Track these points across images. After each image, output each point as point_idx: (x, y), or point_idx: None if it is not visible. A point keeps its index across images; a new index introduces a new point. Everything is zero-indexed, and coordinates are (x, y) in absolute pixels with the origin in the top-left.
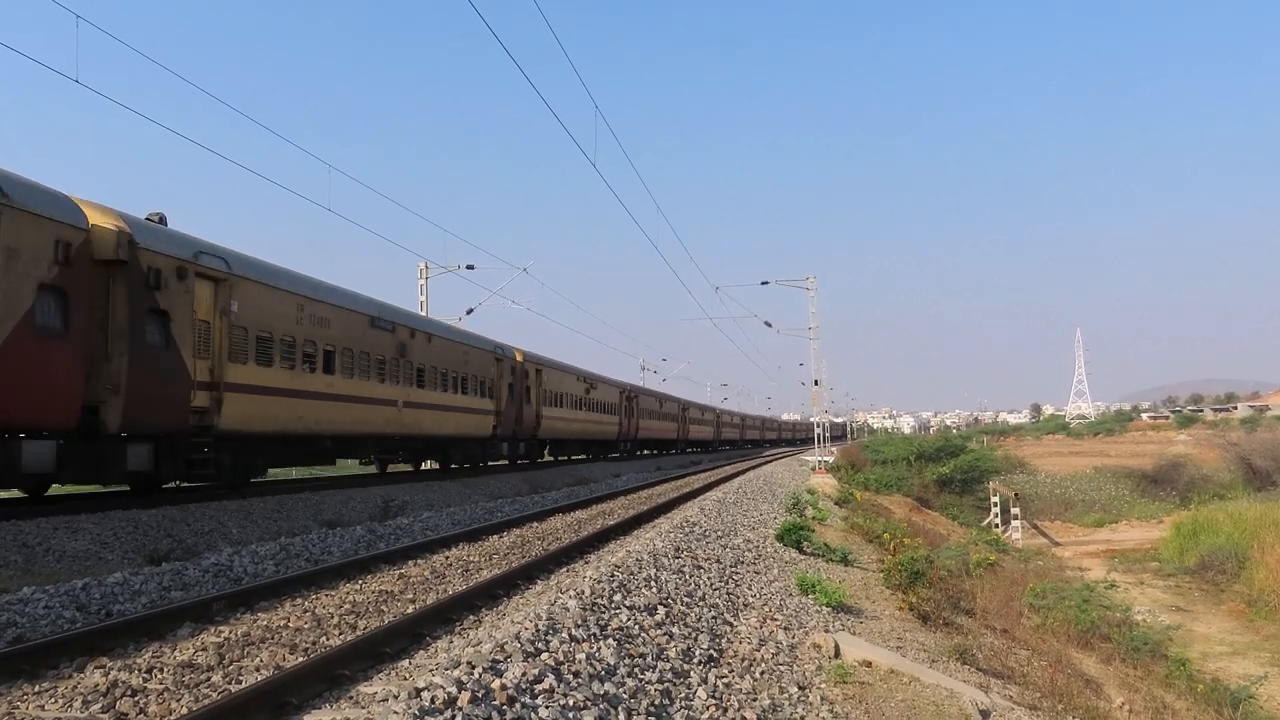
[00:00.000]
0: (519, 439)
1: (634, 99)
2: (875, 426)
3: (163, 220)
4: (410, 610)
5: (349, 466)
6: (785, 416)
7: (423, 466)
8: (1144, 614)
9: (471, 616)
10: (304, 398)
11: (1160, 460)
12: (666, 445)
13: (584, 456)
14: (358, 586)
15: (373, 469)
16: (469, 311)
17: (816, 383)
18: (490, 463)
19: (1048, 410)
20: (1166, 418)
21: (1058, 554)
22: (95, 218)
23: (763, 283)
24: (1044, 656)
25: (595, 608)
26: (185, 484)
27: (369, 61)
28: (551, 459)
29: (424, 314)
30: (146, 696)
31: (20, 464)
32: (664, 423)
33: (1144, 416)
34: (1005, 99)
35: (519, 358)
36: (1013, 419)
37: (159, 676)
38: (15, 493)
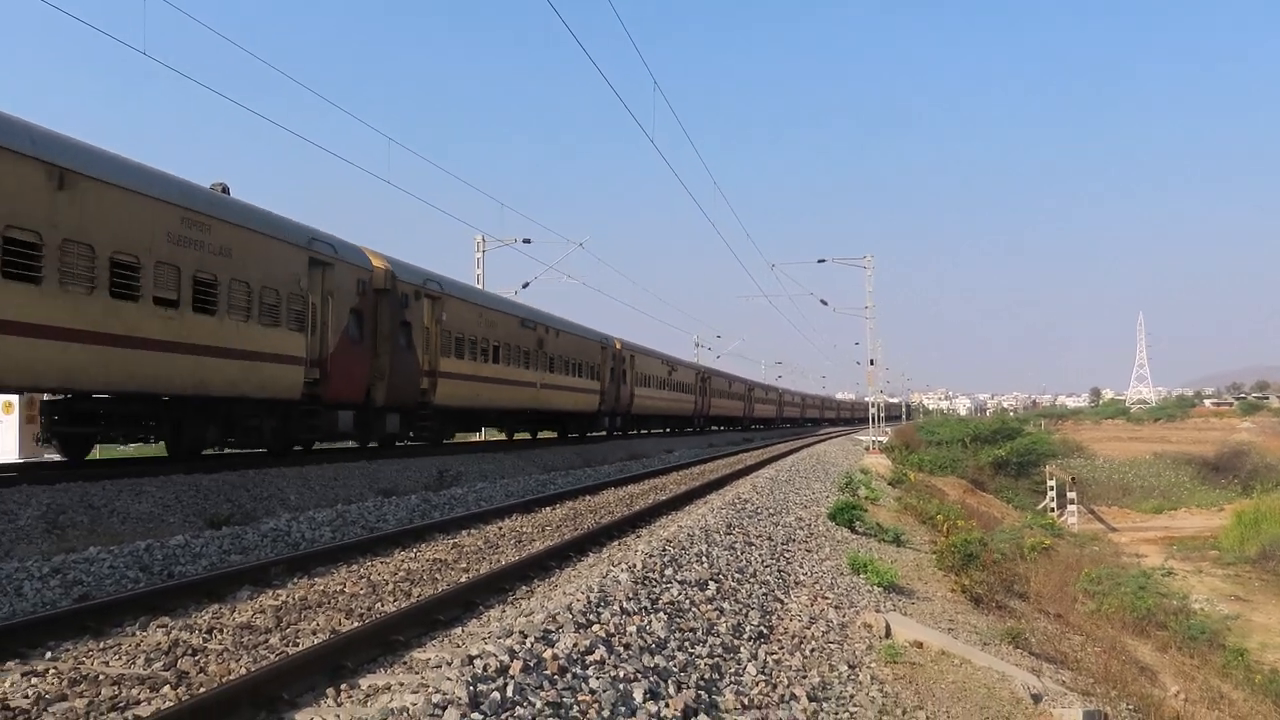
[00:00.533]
0: (617, 414)
1: (693, 75)
2: (930, 407)
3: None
4: (464, 579)
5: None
6: (840, 395)
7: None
8: (1202, 602)
9: (524, 587)
10: (482, 381)
11: (1222, 447)
12: (733, 422)
13: (664, 430)
14: (412, 554)
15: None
16: (525, 285)
17: (872, 362)
18: (591, 433)
19: (1107, 395)
20: (1230, 404)
21: (1114, 540)
22: (374, 261)
23: (820, 260)
24: (1098, 642)
25: (647, 581)
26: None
27: (427, 34)
28: (643, 432)
29: (481, 287)
30: (206, 656)
31: (337, 427)
32: (732, 401)
33: (1207, 403)
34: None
35: (618, 346)
36: (1071, 403)
37: (219, 637)
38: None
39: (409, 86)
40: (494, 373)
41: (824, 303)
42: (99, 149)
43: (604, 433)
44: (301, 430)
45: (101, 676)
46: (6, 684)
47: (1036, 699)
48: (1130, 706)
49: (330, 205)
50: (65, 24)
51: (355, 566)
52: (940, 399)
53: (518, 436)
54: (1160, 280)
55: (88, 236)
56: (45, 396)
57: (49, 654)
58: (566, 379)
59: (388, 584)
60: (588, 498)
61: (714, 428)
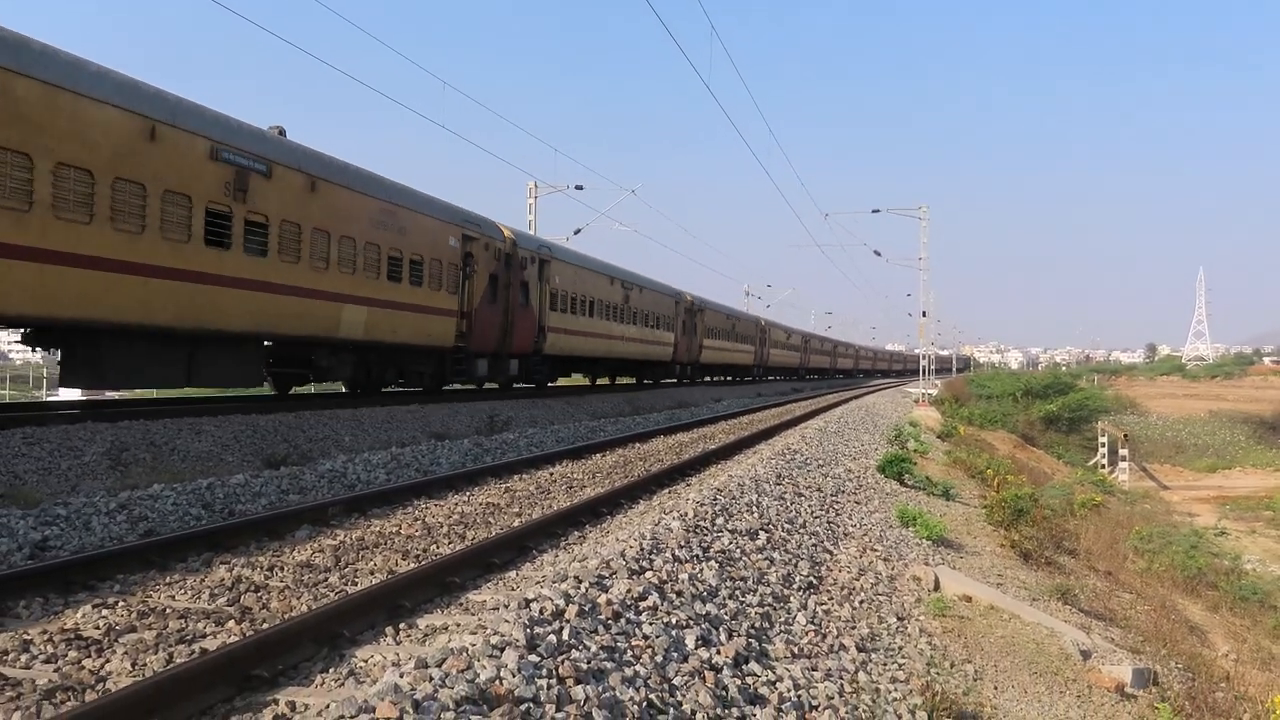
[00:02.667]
0: (687, 363)
1: (751, 21)
2: (980, 361)
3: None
4: (516, 524)
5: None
6: (890, 347)
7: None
8: (1254, 563)
9: (576, 533)
10: (579, 335)
11: None
12: (790, 372)
13: (726, 379)
14: (465, 498)
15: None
16: (576, 232)
17: (924, 314)
18: (665, 380)
19: (1163, 351)
20: None
21: (1166, 498)
22: (505, 233)
23: (874, 210)
24: (1148, 601)
25: (698, 530)
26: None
27: None
28: (709, 380)
29: (533, 233)
30: (268, 593)
31: (475, 372)
32: (789, 353)
33: (1266, 360)
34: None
35: (689, 300)
36: (1126, 359)
37: (279, 574)
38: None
39: (462, 29)
40: (589, 326)
41: (877, 253)
42: (330, 158)
43: (675, 380)
44: (451, 373)
45: (168, 610)
46: (79, 615)
47: (1085, 655)
48: (1180, 665)
49: (383, 148)
50: None
51: (410, 508)
52: (991, 352)
53: (599, 381)
54: (1223, 235)
55: (327, 226)
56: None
57: (118, 587)
58: (647, 331)
59: (442, 526)
60: (637, 445)
61: (770, 377)
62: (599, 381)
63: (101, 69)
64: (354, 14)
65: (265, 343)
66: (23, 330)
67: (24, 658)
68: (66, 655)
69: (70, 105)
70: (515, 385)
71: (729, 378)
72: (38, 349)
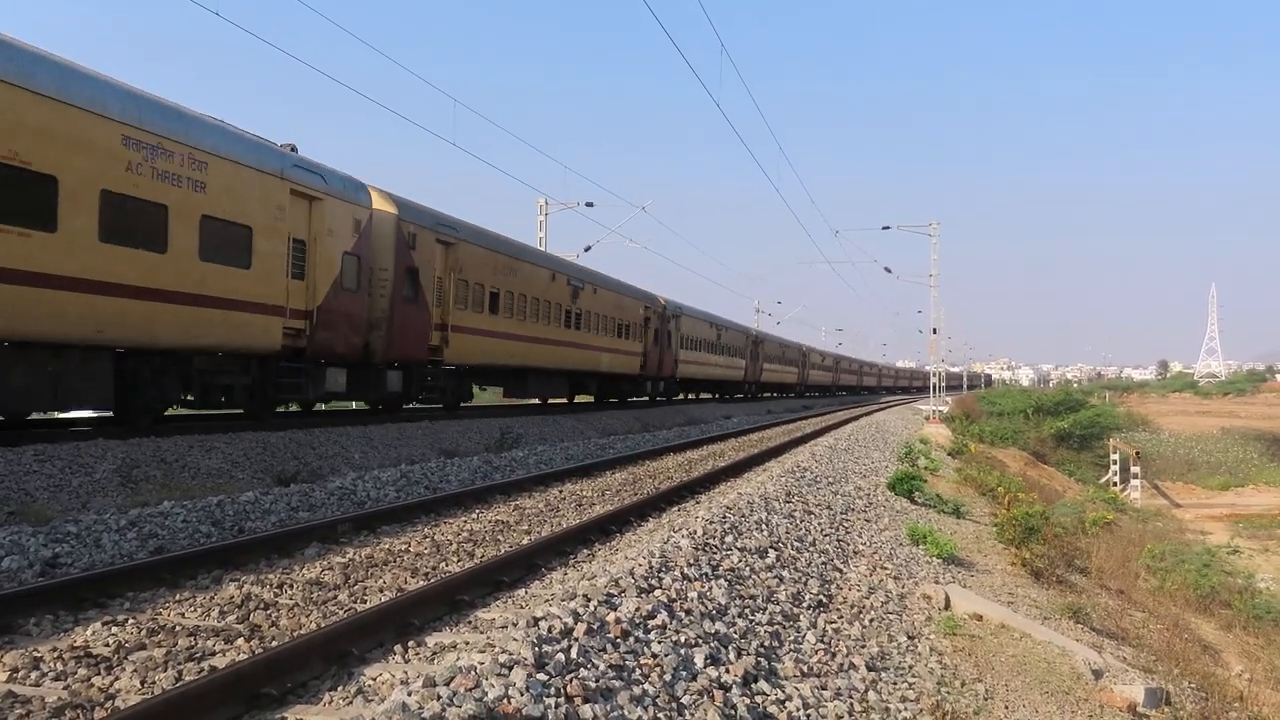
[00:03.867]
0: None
1: (760, 37)
2: (994, 378)
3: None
4: (525, 541)
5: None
6: (900, 364)
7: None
8: (1268, 582)
9: (585, 550)
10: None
11: None
12: (787, 389)
13: (712, 396)
14: (474, 515)
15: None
16: (587, 249)
17: (935, 331)
18: (632, 398)
19: (1175, 367)
20: None
21: (1178, 516)
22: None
23: (884, 227)
24: (1160, 619)
25: (707, 548)
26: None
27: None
28: (689, 398)
29: (544, 249)
30: (278, 610)
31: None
32: (786, 367)
33: (1279, 377)
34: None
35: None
36: (1138, 375)
37: (289, 592)
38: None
39: (472, 46)
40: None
41: (887, 270)
42: (450, 217)
43: (646, 398)
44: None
45: (178, 627)
46: (89, 632)
47: (1097, 675)
48: (1193, 685)
49: (395, 165)
50: None
51: (420, 526)
52: (1003, 369)
53: (552, 401)
54: (1235, 252)
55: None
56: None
57: (128, 604)
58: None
59: (451, 544)
60: (647, 463)
61: (766, 394)
62: (549, 401)
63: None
64: (364, 30)
65: None
66: None
67: (34, 675)
68: (76, 673)
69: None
70: (405, 406)
71: (715, 395)
72: None
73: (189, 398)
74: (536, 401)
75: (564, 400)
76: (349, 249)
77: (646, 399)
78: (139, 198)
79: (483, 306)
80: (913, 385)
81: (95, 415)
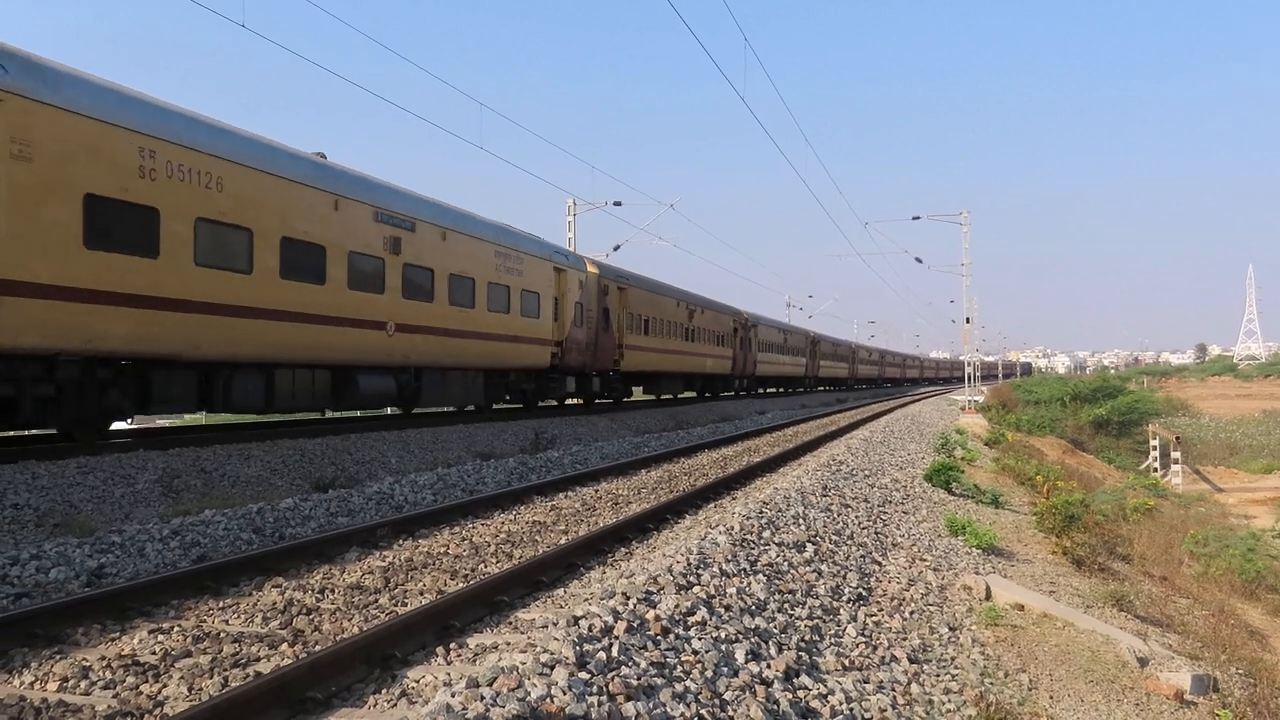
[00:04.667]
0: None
1: (784, 29)
2: (1033, 366)
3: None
4: (563, 541)
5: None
6: (934, 354)
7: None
8: None
9: (622, 549)
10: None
11: None
12: (839, 383)
13: (779, 390)
14: (511, 516)
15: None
16: (616, 248)
17: (968, 320)
18: (724, 393)
19: (1214, 351)
20: None
21: (1221, 500)
22: (590, 267)
23: (914, 218)
24: (1205, 606)
25: (745, 543)
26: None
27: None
28: (763, 391)
29: (574, 250)
30: (320, 615)
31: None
32: (838, 364)
33: None
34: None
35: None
36: (1176, 360)
37: (330, 597)
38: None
39: (497, 49)
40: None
41: (918, 260)
42: (620, 269)
43: (733, 393)
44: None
45: (223, 634)
46: (135, 641)
47: (1143, 662)
48: (1240, 671)
49: (426, 169)
50: None
51: (457, 528)
52: (1038, 357)
53: (669, 395)
54: (1271, 231)
55: (633, 310)
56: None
57: (172, 613)
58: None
59: (489, 545)
60: (681, 460)
61: (821, 388)
62: (668, 396)
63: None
64: (389, 37)
65: None
66: None
67: (83, 684)
68: (125, 681)
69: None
70: (596, 400)
71: (781, 389)
72: None
73: (508, 398)
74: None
75: (671, 396)
76: (578, 300)
77: (733, 394)
78: (503, 284)
79: (643, 330)
80: (951, 376)
81: (135, 426)
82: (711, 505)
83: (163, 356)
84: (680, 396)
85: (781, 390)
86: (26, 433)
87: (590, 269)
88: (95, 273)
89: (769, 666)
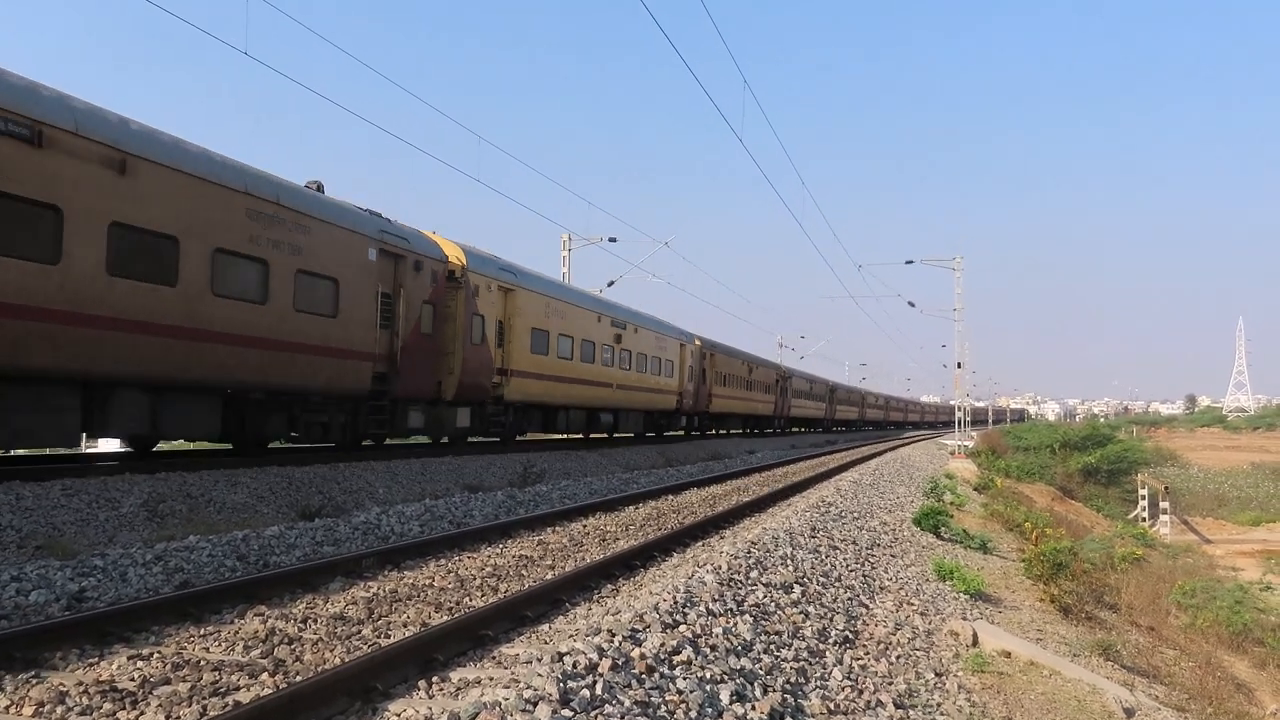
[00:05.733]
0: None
1: (782, 72)
2: (1026, 413)
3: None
4: (550, 576)
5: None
6: (925, 398)
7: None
8: None
9: (609, 585)
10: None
11: None
12: (814, 424)
13: (743, 431)
14: (498, 550)
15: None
16: (610, 284)
17: (960, 365)
18: (668, 433)
19: (1204, 402)
20: None
21: (1209, 551)
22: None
23: (908, 262)
24: (1192, 657)
25: (732, 583)
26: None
27: (516, 31)
28: (720, 432)
29: (568, 283)
30: (302, 645)
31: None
32: (814, 403)
33: None
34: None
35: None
36: (1165, 410)
37: (313, 626)
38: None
39: (494, 84)
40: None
41: (911, 304)
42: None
43: (681, 432)
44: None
45: (203, 662)
46: (114, 667)
47: (1129, 713)
48: None
49: (421, 201)
50: (168, 23)
51: (443, 561)
52: (1029, 403)
53: (590, 435)
54: (1261, 284)
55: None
56: None
57: (153, 638)
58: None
59: (475, 579)
60: (670, 498)
61: (794, 429)
62: (591, 435)
63: None
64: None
65: None
66: None
67: (60, 710)
68: (101, 707)
69: None
70: (470, 440)
71: (746, 430)
72: None
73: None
74: (578, 436)
75: (604, 436)
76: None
77: (682, 433)
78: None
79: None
80: (938, 420)
81: (125, 450)
82: (699, 544)
83: None
84: (597, 437)
85: (746, 431)
86: (10, 453)
87: (829, 382)
88: None
89: (754, 708)
